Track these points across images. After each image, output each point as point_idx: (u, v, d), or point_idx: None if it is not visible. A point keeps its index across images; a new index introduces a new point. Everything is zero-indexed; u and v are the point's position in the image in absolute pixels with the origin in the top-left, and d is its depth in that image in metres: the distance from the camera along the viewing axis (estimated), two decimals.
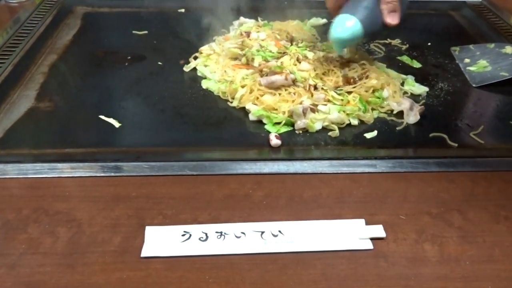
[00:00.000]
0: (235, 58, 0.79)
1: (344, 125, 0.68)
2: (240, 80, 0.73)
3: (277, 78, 0.70)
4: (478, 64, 0.84)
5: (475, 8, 1.07)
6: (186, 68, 0.81)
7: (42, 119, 0.68)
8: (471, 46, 0.91)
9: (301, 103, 0.68)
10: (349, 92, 0.71)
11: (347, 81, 0.72)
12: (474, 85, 0.79)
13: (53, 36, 0.90)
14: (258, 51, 0.78)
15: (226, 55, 0.80)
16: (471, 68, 0.84)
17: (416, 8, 1.09)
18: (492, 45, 0.89)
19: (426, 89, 0.77)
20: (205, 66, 0.80)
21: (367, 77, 0.72)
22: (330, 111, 0.67)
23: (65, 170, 0.57)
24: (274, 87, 0.70)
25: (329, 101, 0.69)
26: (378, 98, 0.71)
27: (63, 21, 0.96)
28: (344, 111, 0.68)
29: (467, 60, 0.86)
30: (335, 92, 0.70)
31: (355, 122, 0.68)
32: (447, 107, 0.74)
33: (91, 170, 0.57)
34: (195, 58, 0.83)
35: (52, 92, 0.74)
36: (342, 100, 0.69)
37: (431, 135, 0.67)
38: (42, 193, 0.54)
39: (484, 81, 0.79)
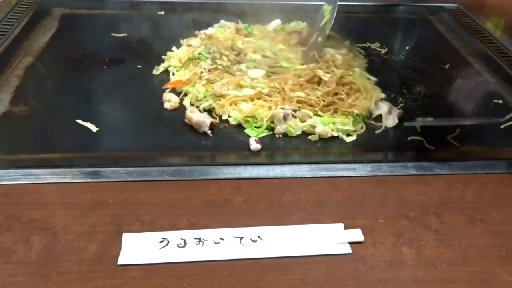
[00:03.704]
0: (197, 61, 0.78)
1: None
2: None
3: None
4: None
5: (452, 12, 1.09)
6: (155, 71, 0.80)
7: (17, 124, 0.67)
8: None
9: (282, 107, 0.67)
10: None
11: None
12: None
13: (29, 38, 0.88)
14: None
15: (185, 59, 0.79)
16: None
17: (395, 12, 1.11)
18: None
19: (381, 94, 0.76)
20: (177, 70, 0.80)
21: (350, 89, 0.72)
22: (316, 123, 0.66)
23: (41, 176, 0.56)
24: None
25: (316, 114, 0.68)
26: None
27: (40, 22, 0.94)
28: (333, 123, 0.67)
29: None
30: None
31: (349, 139, 0.67)
32: (424, 111, 0.75)
33: (67, 176, 0.56)
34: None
35: (27, 95, 0.72)
36: (332, 114, 0.68)
37: (409, 138, 0.68)
38: (16, 200, 0.53)
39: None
